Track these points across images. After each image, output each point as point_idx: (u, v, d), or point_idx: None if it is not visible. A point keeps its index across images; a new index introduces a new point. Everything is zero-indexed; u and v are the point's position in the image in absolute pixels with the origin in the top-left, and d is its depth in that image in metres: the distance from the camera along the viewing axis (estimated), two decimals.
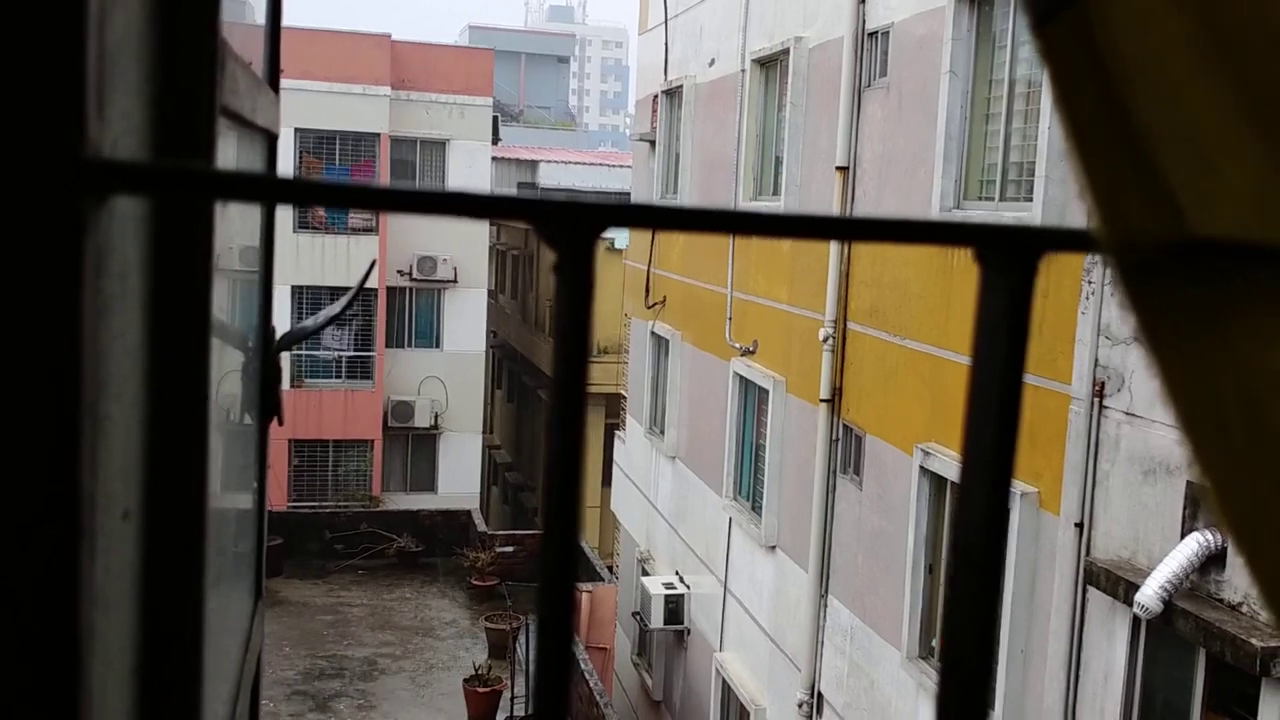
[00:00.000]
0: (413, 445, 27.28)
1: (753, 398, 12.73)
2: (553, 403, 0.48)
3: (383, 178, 25.36)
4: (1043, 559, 7.41)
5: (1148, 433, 6.44)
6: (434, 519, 24.36)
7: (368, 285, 22.61)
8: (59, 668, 0.57)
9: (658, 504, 16.04)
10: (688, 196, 14.82)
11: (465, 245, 26.80)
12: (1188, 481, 6.12)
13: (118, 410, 0.76)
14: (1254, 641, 5.51)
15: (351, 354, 26.43)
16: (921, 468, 8.91)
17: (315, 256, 25.15)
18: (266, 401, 2.12)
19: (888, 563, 9.51)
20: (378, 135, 25.93)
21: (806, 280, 11.11)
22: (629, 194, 20.64)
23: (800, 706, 10.99)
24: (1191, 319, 0.46)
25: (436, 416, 26.94)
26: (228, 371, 1.52)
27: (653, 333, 16.06)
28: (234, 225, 1.58)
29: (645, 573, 15.97)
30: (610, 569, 20.20)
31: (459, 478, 27.30)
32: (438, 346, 27.32)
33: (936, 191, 8.78)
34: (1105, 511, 6.79)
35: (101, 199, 0.61)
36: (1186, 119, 0.44)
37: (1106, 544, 6.76)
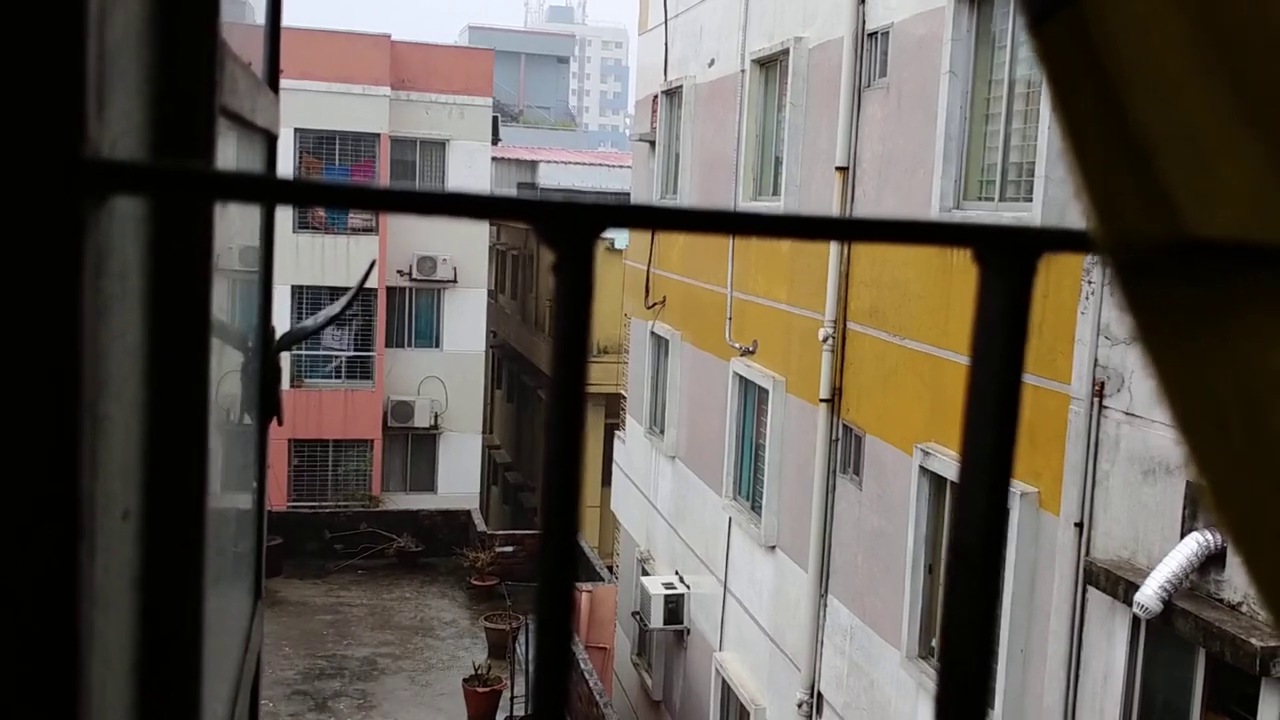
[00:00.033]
0: (412, 445, 27.28)
1: (752, 398, 12.72)
2: (552, 403, 0.48)
3: (382, 178, 25.36)
4: (1042, 559, 7.41)
5: (1147, 433, 6.44)
6: (434, 519, 24.35)
7: (367, 285, 22.57)
8: (59, 667, 0.57)
9: (657, 504, 16.03)
10: (687, 197, 14.81)
11: (465, 245, 26.80)
12: (1187, 481, 6.12)
13: (118, 410, 0.76)
14: (1254, 641, 5.51)
15: (351, 354, 26.43)
16: (921, 468, 8.91)
17: (315, 256, 25.15)
18: (266, 401, 2.12)
19: (887, 562, 9.51)
20: (377, 135, 25.93)
21: (806, 280, 11.10)
22: (629, 194, 20.63)
23: (800, 706, 10.99)
24: (1189, 319, 0.46)
25: (436, 416, 26.94)
26: (228, 371, 1.52)
27: (652, 333, 16.06)
28: (234, 225, 1.58)
29: (645, 572, 15.96)
30: (610, 569, 20.19)
31: (459, 478, 27.30)
32: (437, 346, 27.31)
33: (936, 192, 8.78)
34: (1105, 511, 6.79)
35: (101, 199, 0.61)
36: (1184, 119, 0.44)
37: (1106, 544, 6.76)
